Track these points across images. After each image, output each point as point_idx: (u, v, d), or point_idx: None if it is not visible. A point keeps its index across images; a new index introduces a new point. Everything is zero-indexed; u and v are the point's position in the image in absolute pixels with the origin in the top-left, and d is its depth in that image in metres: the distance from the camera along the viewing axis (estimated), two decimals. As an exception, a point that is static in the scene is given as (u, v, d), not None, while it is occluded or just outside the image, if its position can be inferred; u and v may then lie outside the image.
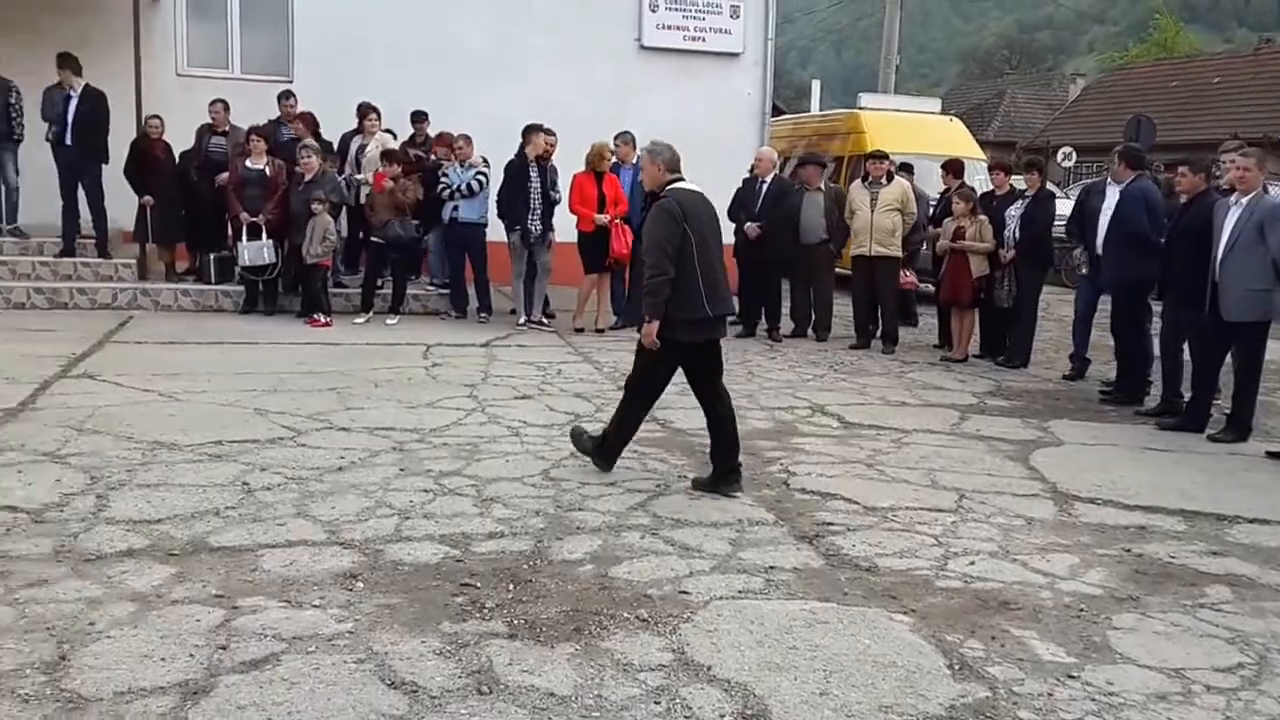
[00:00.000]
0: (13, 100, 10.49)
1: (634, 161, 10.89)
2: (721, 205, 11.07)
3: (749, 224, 10.57)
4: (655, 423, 6.87)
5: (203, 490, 5.01)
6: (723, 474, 5.47)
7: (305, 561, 4.21)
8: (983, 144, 19.36)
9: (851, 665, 3.53)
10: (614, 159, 10.63)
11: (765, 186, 10.70)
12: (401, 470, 5.52)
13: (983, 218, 9.77)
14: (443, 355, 8.94)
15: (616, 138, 10.80)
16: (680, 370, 5.60)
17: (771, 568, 4.40)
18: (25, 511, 4.57)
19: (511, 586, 4.05)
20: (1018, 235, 9.49)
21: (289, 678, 3.22)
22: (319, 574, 4.10)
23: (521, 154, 10.44)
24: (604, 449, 5.70)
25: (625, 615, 3.83)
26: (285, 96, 11.30)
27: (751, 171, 11.19)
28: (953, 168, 10.89)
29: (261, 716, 2.99)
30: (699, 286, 5.29)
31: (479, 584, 4.06)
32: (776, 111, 16.95)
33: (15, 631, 3.44)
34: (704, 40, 14.37)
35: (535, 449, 6.08)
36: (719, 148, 13.62)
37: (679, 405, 7.40)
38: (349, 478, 5.36)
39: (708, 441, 5.50)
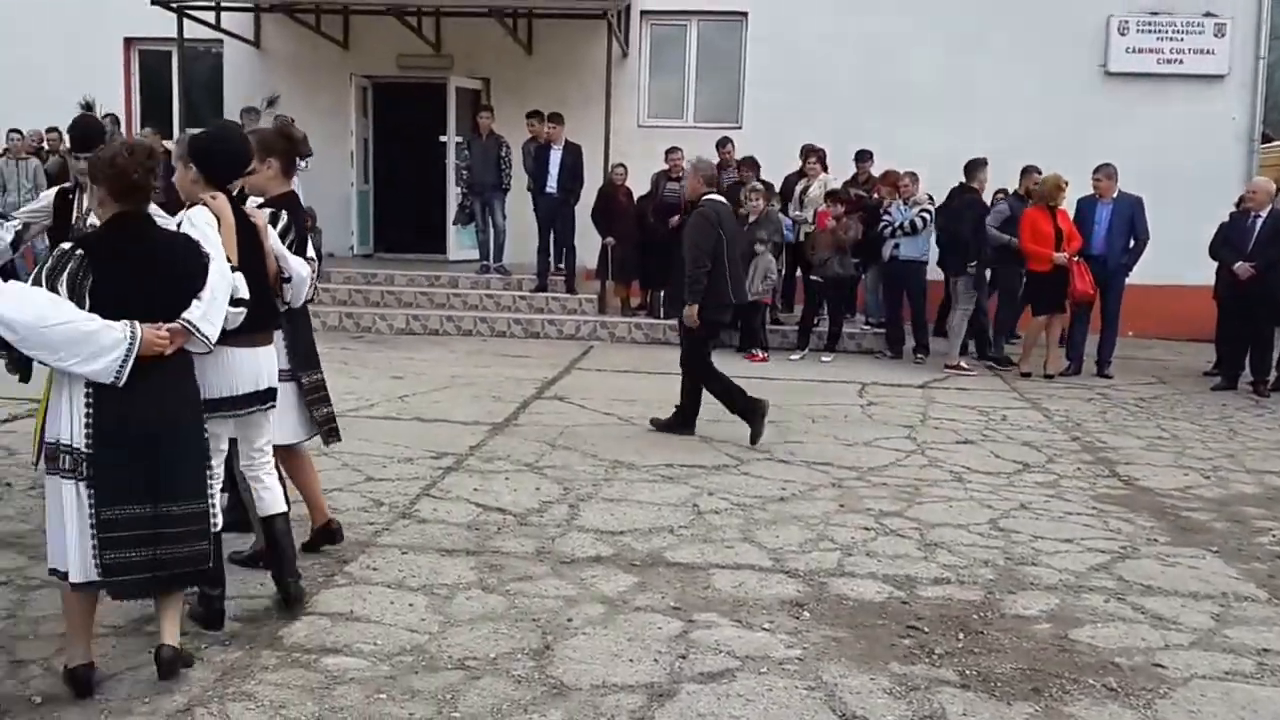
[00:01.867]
0: (503, 154, 12.03)
1: (1114, 195, 10.17)
2: (1201, 238, 10.18)
3: (1239, 264, 9.47)
4: (1117, 479, 6.37)
5: (657, 508, 5.40)
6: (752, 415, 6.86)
7: (753, 585, 4.40)
8: None
9: (1378, 776, 3.03)
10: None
11: (1260, 221, 9.54)
12: (841, 506, 5.58)
13: None
14: (878, 394, 8.92)
15: (1097, 170, 10.18)
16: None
17: (1265, 650, 3.90)
18: (512, 514, 5.20)
19: (961, 636, 3.94)
20: None
21: (744, 694, 3.38)
22: (766, 598, 4.25)
23: (971, 190, 10.20)
24: (682, 420, 7.12)
25: (1090, 681, 3.58)
26: (724, 143, 11.92)
27: (1240, 205, 10.07)
28: None
29: (719, 727, 3.16)
30: (726, 278, 6.85)
31: (926, 629, 3.99)
32: (1265, 139, 15.10)
33: (508, 619, 3.93)
34: (1181, 62, 13.16)
35: (980, 496, 5.87)
36: (1197, 178, 12.49)
37: (1144, 460, 6.83)
38: (790, 509, 5.51)
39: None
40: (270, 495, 3.95)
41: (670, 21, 13.95)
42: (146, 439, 3.16)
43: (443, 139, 13.67)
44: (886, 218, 10.66)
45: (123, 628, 3.71)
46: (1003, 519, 5.45)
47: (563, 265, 12.12)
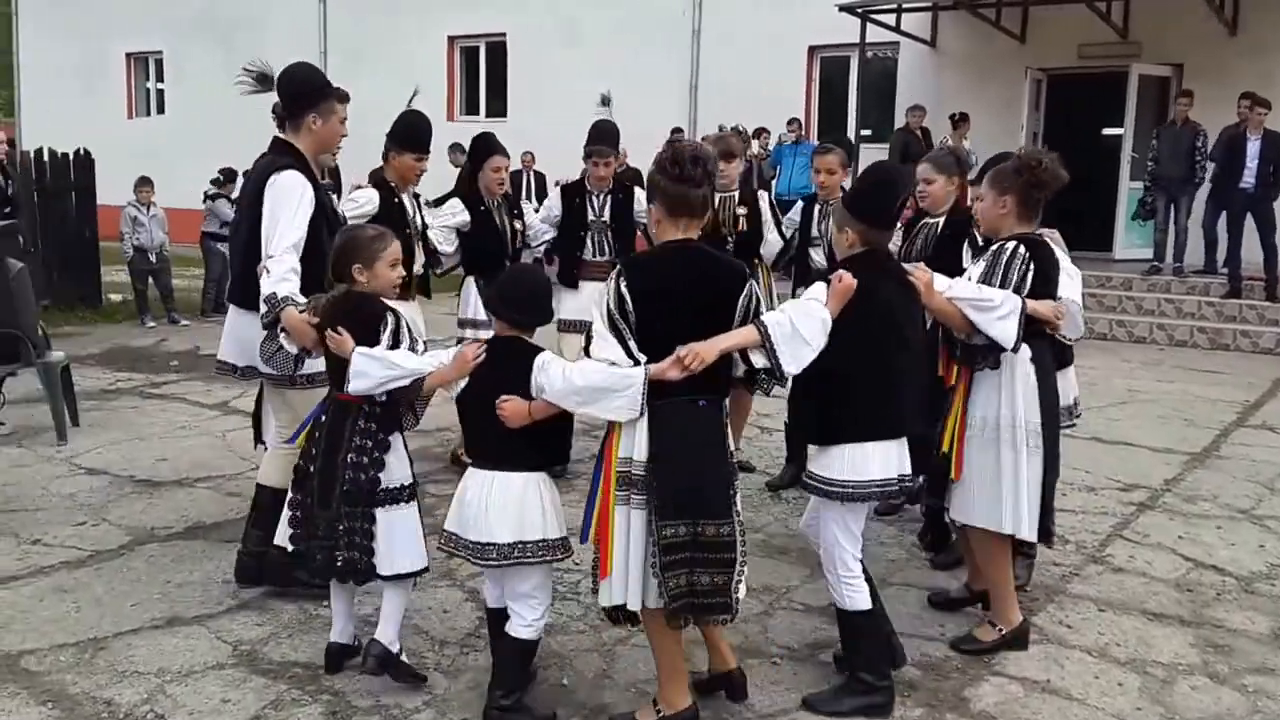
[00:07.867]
0: (1198, 144, 10.25)
1: None
2: None
3: None
4: None
5: None
6: None
7: None
8: None
9: None
10: None
11: None
12: None
13: None
14: None
15: None
16: None
17: None
18: (1233, 576, 4.06)
19: None
20: None
21: None
22: None
23: None
24: None
25: None
26: None
27: None
28: None
29: None
30: None
31: None
32: None
33: (1250, 726, 2.94)
34: None
35: None
36: None
37: None
38: None
39: None
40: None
41: None
42: None
43: (1115, 131, 12.16)
44: None
45: (797, 650, 3.36)
46: None
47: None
